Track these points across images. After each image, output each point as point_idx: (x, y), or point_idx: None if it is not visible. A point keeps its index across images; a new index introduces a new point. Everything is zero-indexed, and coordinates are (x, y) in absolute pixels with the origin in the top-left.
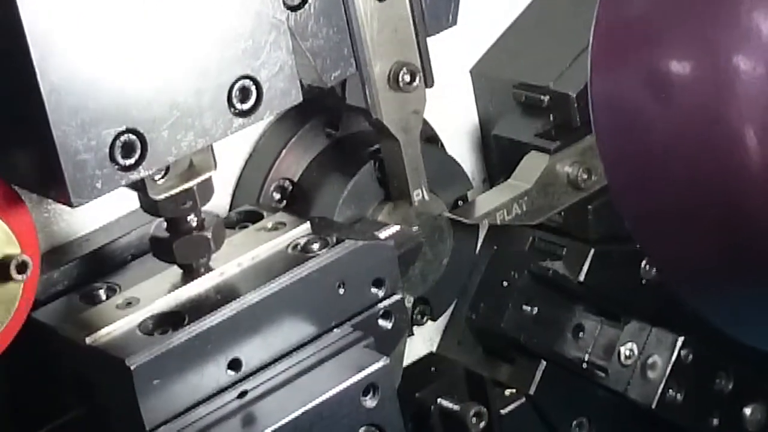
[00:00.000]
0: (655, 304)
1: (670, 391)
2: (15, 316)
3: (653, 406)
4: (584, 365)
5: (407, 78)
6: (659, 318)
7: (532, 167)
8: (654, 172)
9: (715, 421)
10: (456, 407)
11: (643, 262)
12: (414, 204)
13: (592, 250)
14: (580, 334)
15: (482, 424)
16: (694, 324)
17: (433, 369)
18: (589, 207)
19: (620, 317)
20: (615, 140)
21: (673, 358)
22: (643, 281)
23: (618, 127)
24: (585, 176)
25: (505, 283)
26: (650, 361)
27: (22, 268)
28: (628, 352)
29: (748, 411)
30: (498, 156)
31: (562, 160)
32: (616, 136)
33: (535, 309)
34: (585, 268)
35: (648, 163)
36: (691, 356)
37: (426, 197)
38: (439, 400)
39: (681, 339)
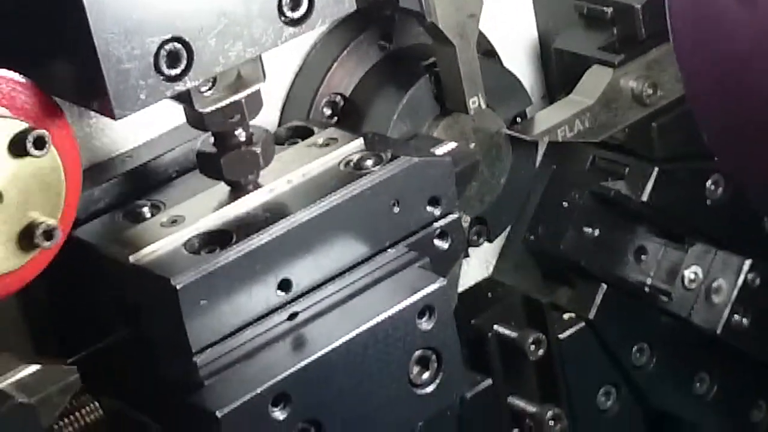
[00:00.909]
0: (721, 226)
1: (736, 316)
2: (69, 191)
3: (718, 332)
4: (646, 289)
5: None
6: (725, 240)
7: (595, 82)
8: (736, 80)
9: None
10: (514, 334)
11: (709, 182)
12: (470, 112)
13: (656, 169)
14: (643, 257)
15: (541, 352)
16: (762, 247)
17: (489, 294)
18: (653, 124)
19: (684, 239)
20: (695, 47)
21: (740, 282)
22: (708, 202)
23: (698, 34)
24: (650, 91)
25: (565, 204)
26: (715, 285)
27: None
28: (692, 276)
29: None
30: (559, 71)
31: (626, 75)
32: (696, 43)
33: (596, 231)
34: (648, 187)
35: (730, 70)
36: (758, 280)
37: (483, 105)
38: (495, 327)
39: (748, 262)
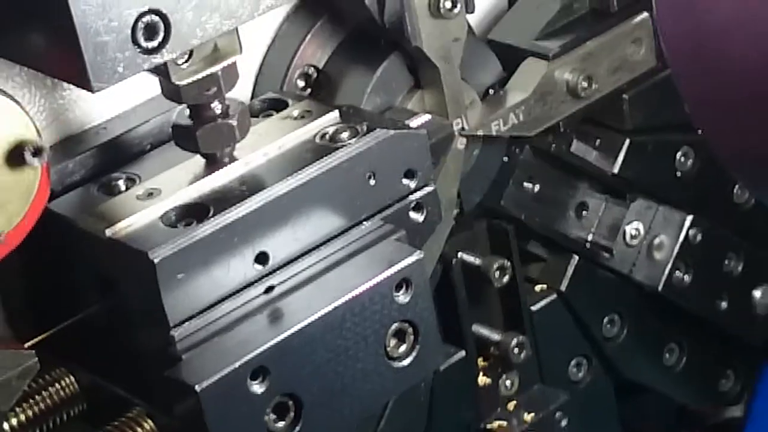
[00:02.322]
0: (690, 197)
1: (678, 272)
2: (32, 208)
3: (659, 289)
4: (588, 245)
5: (448, 4)
6: (696, 211)
7: (529, 74)
8: (717, 49)
9: (724, 304)
10: (478, 261)
11: (679, 154)
12: (455, 134)
13: (627, 141)
14: (584, 212)
15: (505, 279)
16: (731, 218)
17: (453, 222)
18: (625, 96)
19: (626, 195)
20: (676, 16)
21: (681, 238)
22: (678, 173)
23: (680, 3)
24: (585, 84)
25: (505, 159)
26: (657, 241)
27: (37, 152)
28: (633, 232)
29: (758, 294)
30: None
31: (561, 67)
32: (676, 12)
33: (537, 186)
34: (620, 159)
35: (711, 40)
36: (699, 236)
37: (467, 127)
38: (460, 254)
39: (689, 218)
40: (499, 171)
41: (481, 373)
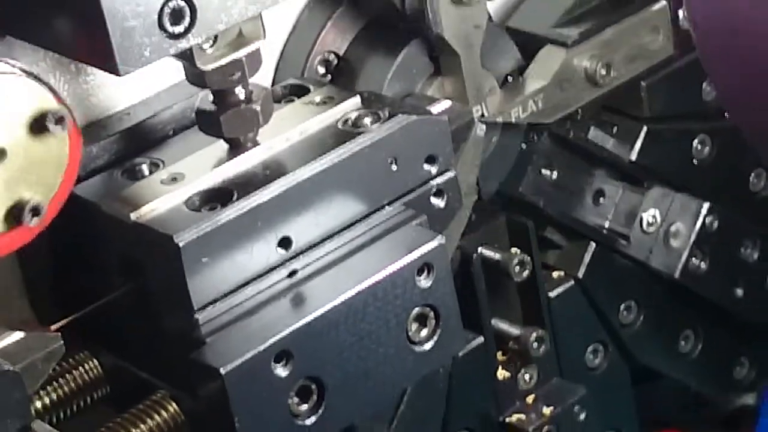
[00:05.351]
0: (706, 185)
1: (694, 259)
2: (66, 176)
3: (676, 276)
4: (605, 232)
5: None
6: (713, 199)
7: (548, 62)
8: (748, 41)
9: (740, 291)
10: (498, 256)
11: (695, 142)
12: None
13: (645, 128)
14: (601, 199)
15: (525, 273)
16: (748, 206)
17: (473, 217)
18: (643, 83)
19: (643, 183)
20: (707, 7)
21: (698, 225)
22: (695, 161)
23: None
24: (603, 72)
25: (523, 146)
26: (673, 228)
27: (59, 120)
28: (650, 219)
29: None
30: None
31: (579, 55)
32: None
33: (555, 173)
34: (637, 146)
35: (742, 30)
36: (716, 224)
37: (486, 114)
38: (480, 249)
39: (706, 205)
40: (518, 158)
41: (500, 367)
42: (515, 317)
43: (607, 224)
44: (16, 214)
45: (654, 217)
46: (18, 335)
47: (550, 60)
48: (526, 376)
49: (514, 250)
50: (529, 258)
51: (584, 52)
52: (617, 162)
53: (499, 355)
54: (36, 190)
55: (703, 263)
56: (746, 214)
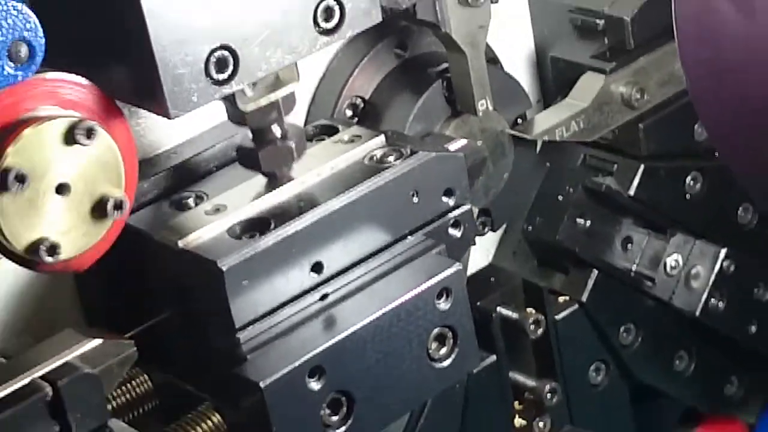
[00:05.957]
0: (698, 218)
1: (713, 299)
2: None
3: (697, 314)
4: (632, 275)
5: None
6: (701, 231)
7: (588, 87)
8: (735, 86)
9: (753, 328)
10: (516, 315)
11: (688, 178)
12: (479, 114)
13: (642, 166)
14: (629, 245)
15: (540, 331)
16: (735, 236)
17: (492, 279)
18: (640, 125)
19: (666, 230)
20: (698, 51)
21: (716, 268)
22: (688, 196)
23: (701, 40)
24: (638, 96)
25: (560, 197)
26: (694, 271)
27: (118, 206)
28: (673, 263)
29: None
30: (554, 77)
31: (616, 81)
32: (698, 47)
33: (588, 222)
34: (635, 182)
35: (729, 77)
36: (732, 267)
37: (490, 107)
38: (499, 308)
39: (723, 251)
40: (554, 207)
41: (516, 416)
42: (530, 370)
43: (634, 267)
44: (100, 212)
45: (676, 261)
46: (96, 342)
47: (590, 85)
48: (540, 424)
49: (529, 309)
50: (543, 317)
51: (620, 78)
52: (643, 212)
53: (516, 405)
54: (109, 186)
55: (720, 303)
56: (733, 245)
